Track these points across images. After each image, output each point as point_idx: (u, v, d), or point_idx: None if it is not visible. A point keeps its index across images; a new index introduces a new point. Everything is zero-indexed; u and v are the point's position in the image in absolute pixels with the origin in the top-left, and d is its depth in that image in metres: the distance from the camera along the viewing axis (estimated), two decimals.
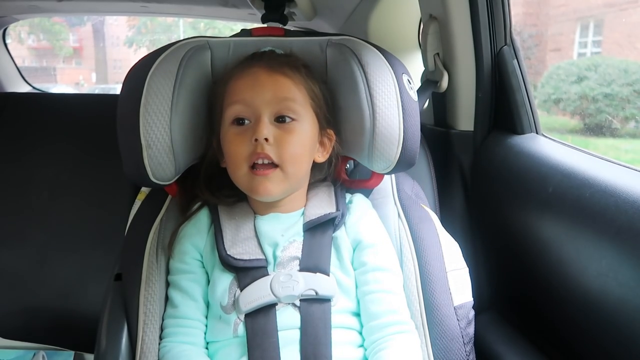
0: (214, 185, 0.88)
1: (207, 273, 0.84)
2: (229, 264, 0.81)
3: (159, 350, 0.80)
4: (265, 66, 0.83)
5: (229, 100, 0.83)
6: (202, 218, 0.87)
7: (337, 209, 0.86)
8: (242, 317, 0.78)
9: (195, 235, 0.85)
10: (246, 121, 0.81)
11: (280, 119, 0.81)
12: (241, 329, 0.78)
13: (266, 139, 0.78)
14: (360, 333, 0.82)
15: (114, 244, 0.94)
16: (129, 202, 0.97)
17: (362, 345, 0.82)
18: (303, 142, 0.82)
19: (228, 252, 0.81)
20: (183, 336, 0.80)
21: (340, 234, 0.85)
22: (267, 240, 0.83)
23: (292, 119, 0.81)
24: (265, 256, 0.82)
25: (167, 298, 0.85)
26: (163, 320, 0.83)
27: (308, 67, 0.87)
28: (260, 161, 0.79)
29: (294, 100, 0.82)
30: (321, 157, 0.88)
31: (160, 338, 0.82)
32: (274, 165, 0.80)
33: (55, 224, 1.55)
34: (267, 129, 0.79)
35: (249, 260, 0.81)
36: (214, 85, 0.88)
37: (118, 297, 0.84)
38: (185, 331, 0.81)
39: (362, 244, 0.84)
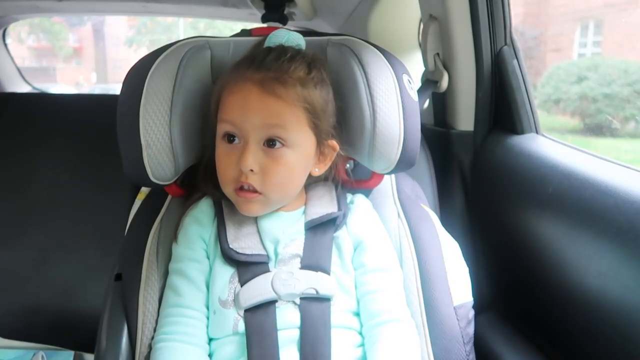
0: (216, 180, 0.88)
1: (210, 265, 0.84)
2: (230, 257, 0.81)
3: (155, 342, 0.79)
4: (257, 84, 0.77)
5: (220, 115, 0.81)
6: (207, 209, 0.87)
7: (339, 209, 0.86)
8: (242, 312, 0.78)
9: (201, 225, 0.85)
10: (236, 139, 0.80)
11: (270, 143, 0.79)
12: (241, 325, 0.78)
13: (251, 169, 0.78)
14: (360, 333, 0.82)
15: (114, 244, 0.94)
16: (129, 202, 0.97)
17: (362, 345, 0.81)
18: (290, 170, 0.81)
19: (230, 246, 0.81)
20: (185, 327, 0.79)
21: (342, 233, 0.85)
22: (268, 236, 0.83)
23: (282, 144, 0.79)
24: (266, 252, 0.82)
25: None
26: (164, 309, 0.81)
27: (316, 68, 0.82)
28: (245, 186, 0.79)
29: (284, 127, 0.78)
30: (319, 171, 0.86)
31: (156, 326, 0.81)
32: (257, 191, 0.80)
33: (55, 224, 1.55)
34: (253, 158, 0.77)
35: (251, 255, 0.81)
36: (212, 84, 0.87)
37: (118, 297, 0.84)
38: (188, 322, 0.79)
39: (362, 244, 0.84)
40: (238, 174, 0.79)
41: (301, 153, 0.81)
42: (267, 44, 0.85)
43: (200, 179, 0.88)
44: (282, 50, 0.82)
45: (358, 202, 0.90)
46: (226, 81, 0.82)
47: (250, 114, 0.78)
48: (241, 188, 0.80)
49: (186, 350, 0.77)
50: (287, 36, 0.85)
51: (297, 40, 0.86)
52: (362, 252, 0.84)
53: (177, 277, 0.82)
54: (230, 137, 0.80)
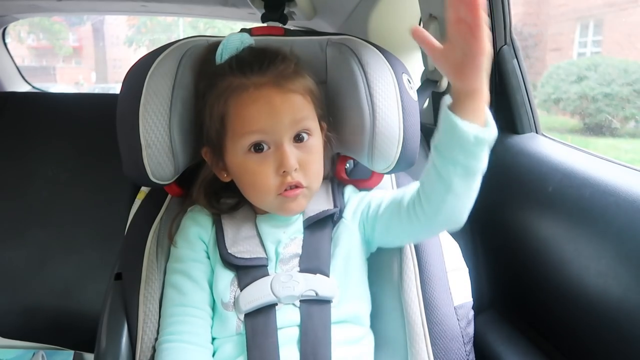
0: (212, 191, 0.87)
1: (211, 265, 0.83)
2: (229, 262, 0.81)
3: (160, 343, 0.79)
4: (274, 86, 0.78)
5: (242, 128, 0.78)
6: (206, 212, 0.87)
7: (335, 206, 0.86)
8: (242, 316, 0.78)
9: (200, 226, 0.85)
10: (264, 146, 0.79)
11: (298, 138, 0.79)
12: (243, 326, 0.78)
13: (295, 168, 0.78)
14: (360, 325, 0.82)
15: (114, 244, 0.94)
16: (129, 202, 0.97)
17: (361, 339, 0.82)
18: (320, 156, 0.83)
19: (229, 251, 0.81)
20: (190, 326, 0.78)
21: (341, 229, 0.85)
22: (269, 238, 0.83)
23: (309, 135, 0.80)
24: (266, 254, 0.82)
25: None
26: (167, 309, 0.81)
27: (296, 61, 0.84)
28: (289, 187, 0.79)
29: (308, 117, 0.80)
30: None
31: (159, 327, 0.80)
32: (299, 185, 0.79)
33: (55, 223, 1.56)
34: (293, 158, 0.77)
35: (250, 259, 0.81)
36: (205, 97, 0.83)
37: (118, 297, 0.84)
38: (193, 321, 0.79)
39: (364, 204, 0.86)
40: (281, 179, 0.78)
41: (320, 138, 0.84)
42: (227, 51, 0.83)
43: (198, 196, 0.87)
44: (266, 52, 0.82)
45: (349, 193, 0.90)
46: (229, 95, 0.79)
47: (281, 116, 0.78)
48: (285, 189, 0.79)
49: (191, 350, 0.77)
50: (242, 38, 0.84)
51: (250, 40, 0.85)
52: (369, 202, 0.85)
53: (179, 276, 0.82)
54: (257, 147, 0.78)
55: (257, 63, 0.79)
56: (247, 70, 0.79)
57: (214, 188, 0.88)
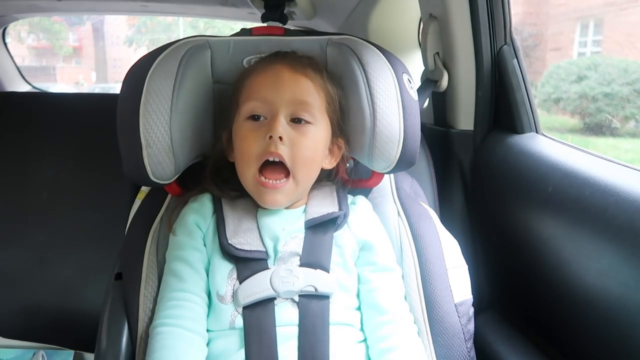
0: (220, 178, 0.88)
1: (208, 255, 0.83)
2: (229, 253, 0.81)
3: (155, 326, 0.77)
4: (287, 65, 0.83)
5: (247, 96, 0.83)
6: (206, 203, 0.87)
7: (340, 209, 0.86)
8: (240, 309, 0.78)
9: (199, 214, 0.85)
10: (262, 118, 0.81)
11: (295, 120, 0.81)
12: (238, 321, 0.77)
13: (280, 138, 0.78)
14: (360, 329, 0.82)
15: (114, 244, 0.94)
16: (129, 202, 0.97)
17: (361, 342, 0.82)
18: (315, 146, 0.82)
19: (230, 241, 0.81)
20: (187, 311, 0.78)
21: (344, 233, 0.85)
22: (268, 233, 0.83)
23: (308, 122, 0.81)
24: (265, 249, 0.82)
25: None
26: (165, 294, 0.80)
27: (328, 72, 0.88)
28: (271, 158, 0.79)
29: (312, 104, 0.82)
30: (328, 165, 0.88)
31: (155, 311, 0.79)
32: (284, 167, 0.79)
33: (55, 223, 1.56)
34: (283, 128, 0.79)
35: (250, 251, 0.81)
36: (236, 80, 0.88)
37: (118, 297, 0.84)
38: (191, 307, 0.78)
39: (368, 244, 0.85)
40: (265, 147, 0.79)
41: (322, 134, 0.84)
42: None
43: (207, 176, 0.88)
44: (297, 53, 0.88)
45: (359, 203, 0.90)
46: (250, 69, 0.86)
47: (282, 89, 0.81)
48: (264, 170, 0.79)
49: (186, 337, 0.76)
50: None
51: None
52: (370, 251, 0.84)
53: (178, 263, 0.81)
54: (255, 117, 0.81)
55: (286, 53, 0.86)
56: (274, 55, 0.86)
57: (221, 177, 0.88)
